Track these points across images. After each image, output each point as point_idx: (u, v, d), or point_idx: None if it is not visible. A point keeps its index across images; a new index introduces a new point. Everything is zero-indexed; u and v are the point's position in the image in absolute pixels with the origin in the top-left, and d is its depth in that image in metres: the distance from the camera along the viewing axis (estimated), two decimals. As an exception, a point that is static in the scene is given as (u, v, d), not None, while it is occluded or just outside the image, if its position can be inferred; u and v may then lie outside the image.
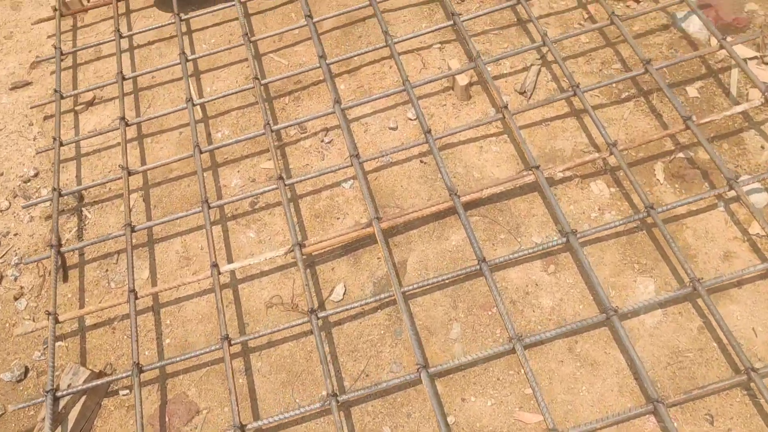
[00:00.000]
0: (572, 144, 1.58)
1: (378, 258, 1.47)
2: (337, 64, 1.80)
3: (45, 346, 1.50)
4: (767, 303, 1.27)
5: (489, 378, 1.28)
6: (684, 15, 1.73)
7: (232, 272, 1.53)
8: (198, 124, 1.84)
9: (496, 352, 1.21)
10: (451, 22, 1.74)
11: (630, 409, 1.15)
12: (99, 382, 1.33)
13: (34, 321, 1.55)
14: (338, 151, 1.69)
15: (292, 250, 1.39)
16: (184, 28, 2.05)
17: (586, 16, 1.84)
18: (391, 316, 1.39)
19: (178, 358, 1.33)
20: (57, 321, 1.42)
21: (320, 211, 1.59)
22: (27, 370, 1.47)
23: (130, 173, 1.65)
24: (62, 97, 1.86)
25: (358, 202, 1.58)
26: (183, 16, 1.99)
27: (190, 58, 1.87)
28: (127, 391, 1.40)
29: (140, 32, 1.98)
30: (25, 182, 1.81)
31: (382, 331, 1.37)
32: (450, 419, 1.25)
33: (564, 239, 1.28)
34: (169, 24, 1.98)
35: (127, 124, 1.75)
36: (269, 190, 1.54)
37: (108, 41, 1.97)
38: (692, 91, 1.64)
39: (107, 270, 1.60)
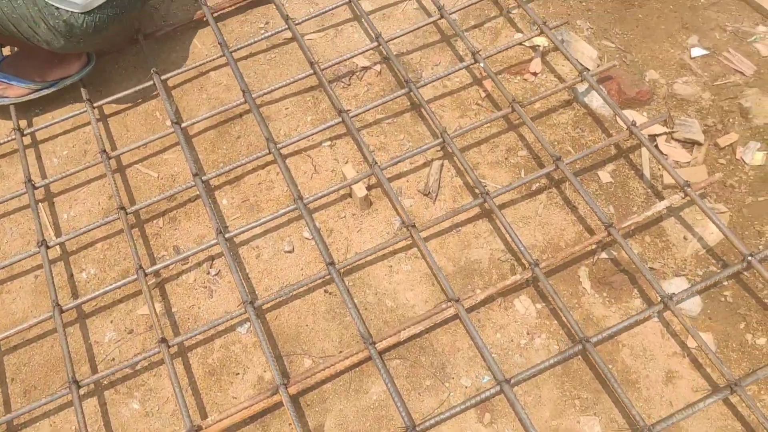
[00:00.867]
0: (488, 252, 1.47)
1: (290, 424, 1.29)
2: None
3: None
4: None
5: None
6: (585, 89, 1.67)
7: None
8: (57, 262, 1.58)
9: None
10: (339, 120, 1.59)
11: None
12: None
13: None
14: (228, 285, 1.49)
15: (185, 438, 1.18)
16: (28, 140, 1.78)
17: (483, 94, 1.74)
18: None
19: None
20: None
21: (214, 366, 1.39)
22: None
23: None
24: None
25: (259, 350, 1.39)
26: (25, 130, 1.72)
27: (38, 185, 1.61)
28: None
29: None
30: None
31: None
32: None
33: (497, 388, 1.15)
34: (9, 140, 1.71)
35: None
36: (150, 355, 1.32)
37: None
38: (605, 176, 1.58)
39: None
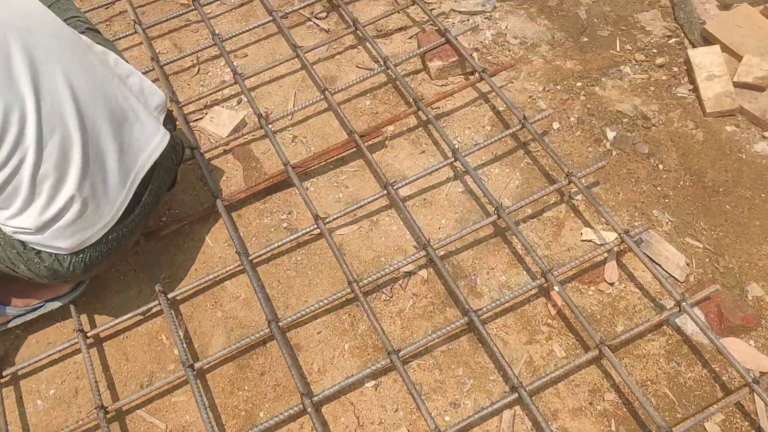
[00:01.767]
0: None
1: None
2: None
3: None
4: None
5: None
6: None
7: None
8: None
9: None
10: (387, 360, 1.33)
11: None
12: None
13: None
14: None
15: None
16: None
17: (553, 310, 1.49)
18: None
19: None
20: None
21: None
22: None
23: None
24: None
25: None
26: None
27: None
28: None
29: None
30: None
31: None
32: None
33: None
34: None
35: None
36: None
37: None
38: (713, 427, 1.30)
39: None
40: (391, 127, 1.84)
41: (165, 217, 1.74)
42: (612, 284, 1.53)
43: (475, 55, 2.00)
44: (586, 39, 1.98)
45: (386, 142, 1.83)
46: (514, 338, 1.48)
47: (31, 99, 1.12)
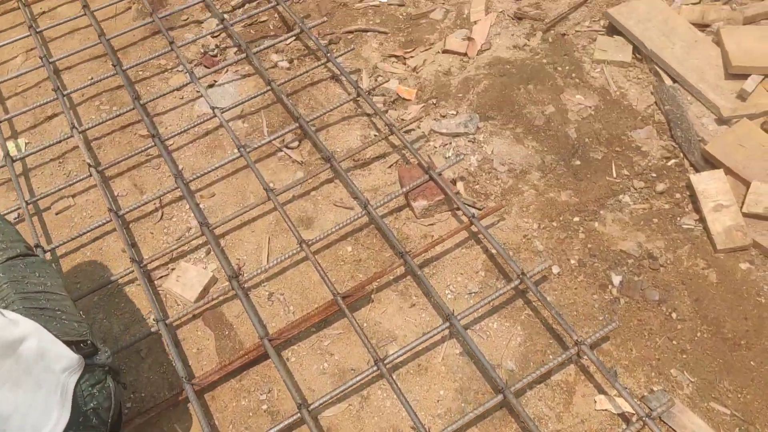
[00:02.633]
0: None
1: None
2: None
3: None
4: None
5: None
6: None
7: None
8: None
9: None
10: None
11: None
12: None
13: None
14: None
15: None
16: None
17: None
18: None
19: None
20: None
21: None
22: None
23: None
24: None
25: None
26: None
27: None
28: None
29: None
30: None
31: None
32: None
33: None
34: None
35: None
36: None
37: None
38: None
39: None
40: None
41: (130, 403, 1.58)
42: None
43: (460, 184, 1.90)
44: (578, 162, 1.89)
45: (372, 296, 1.70)
46: None
47: None
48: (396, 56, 2.36)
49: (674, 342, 1.56)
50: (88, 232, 1.84)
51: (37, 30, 2.45)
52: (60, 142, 2.10)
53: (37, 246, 1.75)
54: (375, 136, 2.07)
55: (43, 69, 2.32)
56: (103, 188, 1.93)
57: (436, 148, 2.01)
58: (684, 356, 1.54)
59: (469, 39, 2.34)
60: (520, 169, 1.91)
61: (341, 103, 2.06)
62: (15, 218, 1.97)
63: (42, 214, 1.98)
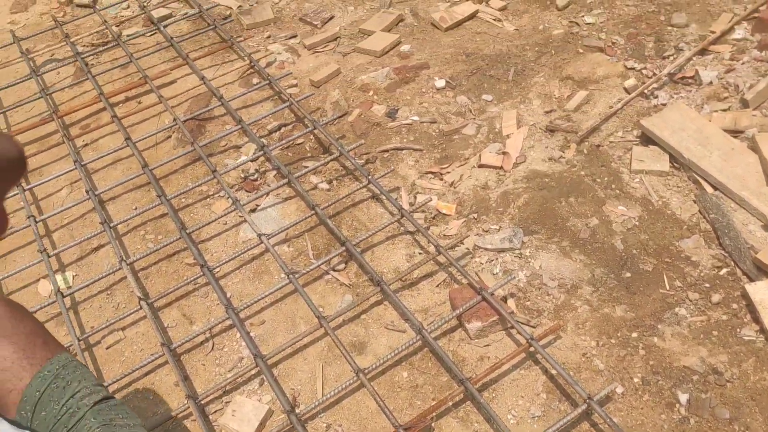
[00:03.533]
0: None
1: None
2: None
3: None
4: None
5: None
6: None
7: None
8: None
9: None
10: None
11: None
12: None
13: None
14: None
15: None
16: None
17: None
18: None
19: None
20: None
21: None
22: None
23: None
24: None
25: None
26: None
27: None
28: None
29: None
30: None
31: None
32: None
33: None
34: None
35: None
36: None
37: None
38: None
39: None
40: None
41: None
42: None
43: (511, 302, 1.94)
44: (629, 274, 1.94)
45: (432, 424, 1.71)
46: None
47: None
48: (432, 172, 2.47)
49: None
50: (141, 367, 1.89)
51: (82, 163, 2.60)
52: (109, 275, 2.18)
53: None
54: (420, 254, 2.14)
55: (89, 201, 2.44)
56: (154, 321, 1.99)
57: (482, 264, 2.07)
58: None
59: (504, 153, 2.46)
60: (570, 283, 1.96)
61: (385, 225, 2.15)
62: (67, 355, 2.02)
63: (92, 349, 2.03)
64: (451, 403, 1.75)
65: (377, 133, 2.65)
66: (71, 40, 3.35)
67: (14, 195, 2.56)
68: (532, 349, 1.76)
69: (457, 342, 1.89)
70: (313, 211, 2.24)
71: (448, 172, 2.46)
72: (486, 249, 2.12)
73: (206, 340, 2.02)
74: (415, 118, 2.70)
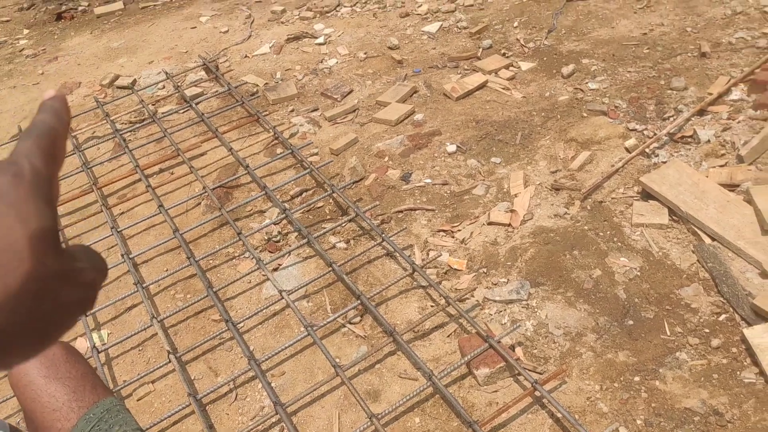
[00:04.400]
0: None
1: None
2: None
3: None
4: None
5: None
6: None
7: None
8: None
9: None
10: None
11: None
12: None
13: None
14: None
15: None
16: None
17: None
18: None
19: None
20: None
21: None
22: None
23: None
24: None
25: None
26: None
27: None
28: None
29: None
30: None
31: None
32: None
33: None
34: None
35: None
36: None
37: None
38: None
39: None
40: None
41: None
42: None
43: (519, 350, 2.02)
44: (631, 322, 2.01)
45: (444, 468, 1.77)
46: None
47: None
48: (444, 230, 2.59)
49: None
50: (169, 416, 1.99)
51: (118, 230, 2.78)
52: (141, 331, 2.32)
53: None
54: (432, 307, 2.24)
55: (123, 264, 2.61)
56: (181, 373, 2.11)
57: (491, 315, 2.16)
58: None
59: (512, 211, 2.58)
60: (575, 331, 2.04)
61: (398, 279, 2.27)
62: (101, 406, 2.14)
63: (125, 401, 2.15)
64: (461, 447, 1.82)
65: (392, 196, 2.80)
66: (111, 118, 3.61)
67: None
68: (537, 393, 1.83)
69: (467, 389, 1.97)
70: (331, 268, 2.37)
71: (459, 230, 2.59)
72: (494, 301, 2.21)
73: (230, 391, 2.13)
74: (428, 180, 2.85)
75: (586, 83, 3.31)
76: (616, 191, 2.54)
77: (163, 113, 3.75)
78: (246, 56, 4.29)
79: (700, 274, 2.13)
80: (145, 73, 4.28)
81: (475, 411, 1.89)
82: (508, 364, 1.92)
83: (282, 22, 4.71)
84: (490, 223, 2.56)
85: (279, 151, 3.22)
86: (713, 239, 2.18)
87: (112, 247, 2.83)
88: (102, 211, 2.97)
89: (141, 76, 4.23)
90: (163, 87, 4.11)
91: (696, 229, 2.23)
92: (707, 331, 1.96)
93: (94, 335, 2.40)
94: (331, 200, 2.85)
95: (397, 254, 2.42)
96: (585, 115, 3.06)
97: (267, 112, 3.55)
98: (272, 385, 2.09)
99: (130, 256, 2.64)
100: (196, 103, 3.64)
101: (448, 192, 2.76)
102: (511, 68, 3.61)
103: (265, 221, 2.80)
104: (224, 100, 3.80)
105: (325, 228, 2.65)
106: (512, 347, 2.02)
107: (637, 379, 1.87)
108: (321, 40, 4.26)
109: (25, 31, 5.52)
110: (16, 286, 0.37)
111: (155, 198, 2.93)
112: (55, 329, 0.41)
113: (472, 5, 4.41)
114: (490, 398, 1.92)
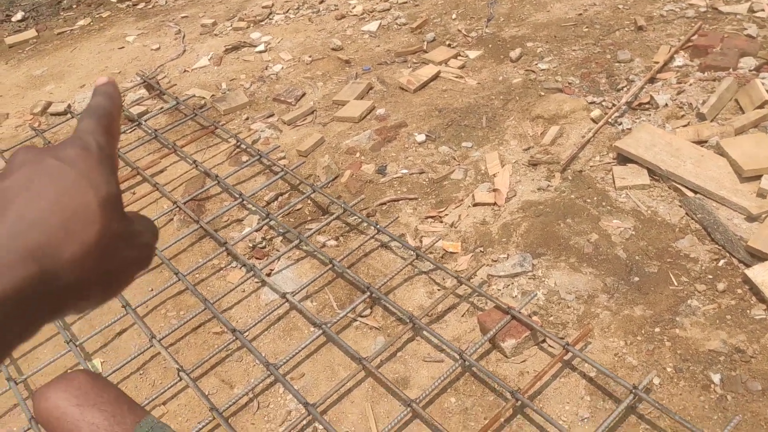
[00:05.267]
0: None
1: None
2: None
3: None
4: None
5: None
6: None
7: None
8: None
9: None
10: None
11: None
12: None
13: None
14: None
15: None
16: None
17: None
18: None
19: None
20: None
21: None
22: None
23: None
24: None
25: None
26: None
27: None
28: None
29: None
30: None
31: None
32: None
33: None
34: None
35: None
36: None
37: None
38: None
39: None
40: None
41: None
42: None
43: (536, 318, 2.04)
44: (637, 278, 2.07)
45: (489, 442, 1.76)
46: None
47: None
48: (432, 217, 2.59)
49: None
50: (195, 434, 1.89)
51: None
52: (139, 354, 2.19)
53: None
54: (439, 290, 2.23)
55: (105, 289, 2.46)
56: (196, 389, 2.00)
57: (500, 290, 2.17)
58: None
59: (495, 190, 2.61)
60: (587, 294, 2.08)
61: (401, 268, 2.24)
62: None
63: (138, 427, 2.02)
64: (503, 420, 1.81)
65: (372, 189, 2.77)
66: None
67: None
68: (569, 355, 1.85)
69: (494, 363, 1.97)
70: (329, 266, 2.32)
71: (447, 215, 2.59)
72: (500, 276, 2.23)
73: (250, 401, 2.04)
74: (405, 171, 2.84)
75: (536, 64, 3.39)
76: (592, 159, 2.61)
77: (108, 135, 3.56)
78: (185, 71, 4.15)
79: (691, 225, 2.21)
80: (80, 96, 4.06)
81: (507, 383, 1.89)
82: (533, 333, 1.93)
83: (215, 35, 4.59)
84: (475, 205, 2.58)
85: (245, 158, 3.13)
86: (695, 192, 2.28)
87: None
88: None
89: (75, 101, 4.02)
90: (102, 109, 3.90)
91: (677, 185, 2.32)
92: (711, 277, 2.04)
93: (89, 364, 2.24)
94: (309, 201, 2.79)
95: (393, 244, 2.40)
96: (542, 94, 3.13)
97: (223, 123, 3.44)
98: (295, 387, 2.02)
99: (111, 280, 2.48)
100: (145, 121, 3.49)
101: (427, 180, 2.76)
102: (459, 57, 3.66)
103: (245, 230, 2.71)
104: (172, 115, 3.66)
105: (310, 229, 2.59)
106: (529, 317, 2.04)
107: (657, 330, 1.93)
108: (261, 48, 4.18)
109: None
110: (90, 242, 0.42)
111: (122, 219, 2.77)
112: (118, 283, 0.47)
113: (406, 2, 4.44)
114: (521, 368, 1.93)
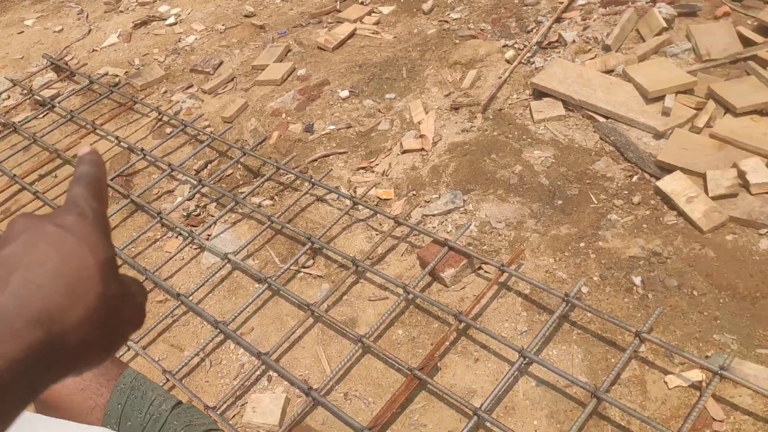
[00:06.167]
0: None
1: None
2: None
3: None
4: None
5: None
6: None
7: None
8: None
9: None
10: None
11: None
12: None
13: None
14: None
15: None
16: None
17: (690, 470, 1.53)
18: None
19: None
20: None
21: None
22: None
23: None
24: None
25: None
26: None
27: None
28: None
29: None
30: None
31: None
32: None
33: None
34: None
35: None
36: None
37: None
38: None
39: None
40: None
41: None
42: (722, 421, 1.63)
43: (471, 248, 2.16)
44: (560, 201, 2.22)
45: (438, 365, 1.88)
46: None
47: None
48: (363, 168, 2.67)
49: (705, 314, 1.84)
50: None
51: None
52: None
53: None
54: (377, 234, 2.32)
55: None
56: (146, 356, 2.04)
57: (435, 227, 2.29)
58: (718, 322, 1.82)
59: (421, 136, 2.71)
60: (515, 221, 2.22)
61: (341, 215, 2.33)
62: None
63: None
64: (448, 343, 1.93)
65: (301, 148, 2.82)
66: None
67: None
68: (504, 276, 1.98)
69: (436, 293, 2.08)
70: (268, 223, 2.37)
71: (377, 164, 2.68)
72: (434, 215, 2.34)
73: (201, 360, 2.09)
74: (332, 127, 2.90)
75: (448, 14, 3.49)
76: (510, 98, 2.74)
77: (19, 122, 3.47)
78: (94, 50, 4.06)
79: (605, 148, 2.38)
80: (-17, 86, 3.91)
81: (450, 309, 2.01)
82: (470, 261, 2.06)
83: (121, 11, 4.48)
84: (404, 152, 2.67)
85: (169, 130, 3.11)
86: (607, 118, 2.44)
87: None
88: None
89: (-23, 91, 3.86)
90: (8, 97, 3.80)
91: (590, 113, 2.48)
92: (626, 192, 2.21)
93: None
94: (240, 166, 2.82)
95: (329, 197, 2.48)
96: (457, 42, 3.24)
97: (142, 97, 3.40)
98: (246, 340, 2.08)
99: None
100: (58, 103, 3.41)
101: (355, 133, 2.84)
102: (373, 14, 3.72)
103: (177, 200, 2.72)
104: (86, 95, 3.59)
105: (244, 192, 2.63)
106: (465, 248, 2.16)
107: (582, 244, 2.09)
108: (172, 20, 4.12)
109: None
110: (93, 305, 0.44)
111: (47, 203, 2.74)
112: (116, 344, 0.49)
113: (315, -36, 4.44)
114: (461, 295, 2.05)
